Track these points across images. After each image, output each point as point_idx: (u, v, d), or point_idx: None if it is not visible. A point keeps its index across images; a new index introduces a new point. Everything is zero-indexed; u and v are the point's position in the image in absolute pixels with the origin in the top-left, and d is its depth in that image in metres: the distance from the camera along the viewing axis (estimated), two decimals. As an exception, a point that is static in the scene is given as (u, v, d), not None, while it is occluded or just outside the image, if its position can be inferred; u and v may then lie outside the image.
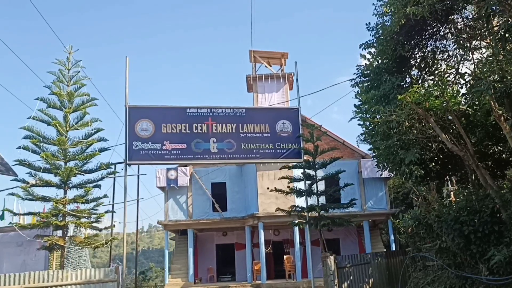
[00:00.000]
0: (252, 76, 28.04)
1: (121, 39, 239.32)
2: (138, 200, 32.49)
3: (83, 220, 17.66)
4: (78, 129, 18.02)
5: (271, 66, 28.59)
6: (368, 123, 14.99)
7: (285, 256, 26.80)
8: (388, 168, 15.75)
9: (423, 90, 12.70)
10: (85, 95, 18.43)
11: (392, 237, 27.96)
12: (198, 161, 19.66)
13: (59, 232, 17.62)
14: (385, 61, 14.48)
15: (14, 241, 19.59)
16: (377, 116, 13.83)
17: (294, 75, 28.24)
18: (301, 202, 20.80)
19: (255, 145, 19.36)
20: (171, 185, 27.07)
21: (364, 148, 32.56)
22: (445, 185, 19.27)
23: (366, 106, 14.66)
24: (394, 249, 27.56)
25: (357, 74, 15.24)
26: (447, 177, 17.17)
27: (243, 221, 26.92)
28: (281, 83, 27.70)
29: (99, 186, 18.31)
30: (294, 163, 19.53)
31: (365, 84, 14.80)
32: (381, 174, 28.21)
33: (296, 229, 24.80)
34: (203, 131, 19.05)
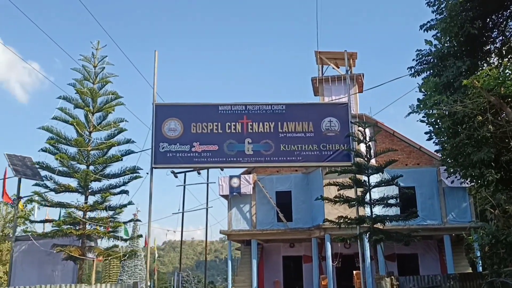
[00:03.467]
0: (318, 79, 25.57)
1: (155, 33, 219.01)
2: (207, 209, 31.33)
3: (102, 228, 16.13)
4: (101, 130, 16.66)
5: (339, 67, 25.99)
6: (432, 119, 12.14)
7: (354, 272, 23.94)
8: (458, 173, 12.70)
9: (497, 73, 9.74)
10: (111, 94, 17.04)
11: (478, 254, 24.03)
12: (230, 164, 17.33)
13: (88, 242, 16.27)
14: (449, 42, 11.60)
15: (43, 250, 18.43)
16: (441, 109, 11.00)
17: (363, 76, 25.61)
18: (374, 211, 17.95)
19: (297, 146, 16.74)
20: (234, 193, 25.27)
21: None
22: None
23: (427, 98, 11.78)
24: (481, 269, 23.66)
25: (417, 60, 12.45)
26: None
27: (309, 232, 24.43)
28: (350, 85, 24.99)
29: (126, 192, 16.76)
30: (343, 167, 16.69)
31: (427, 73, 12.02)
32: (461, 183, 24.69)
33: (366, 242, 21.98)
34: (237, 131, 16.80)
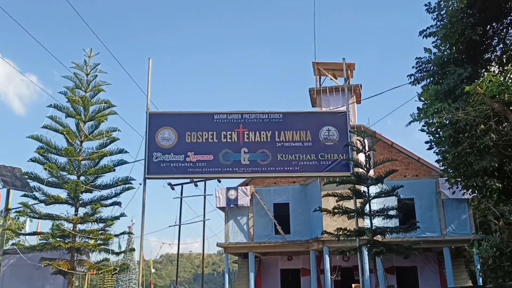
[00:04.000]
0: (315, 89, 25.25)
1: (147, 37, 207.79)
2: (204, 222, 30.77)
3: (92, 241, 15.47)
4: (93, 139, 16.18)
5: (336, 78, 25.70)
6: (432, 128, 11.77)
7: (353, 285, 23.41)
8: (459, 183, 12.29)
9: (501, 79, 9.39)
10: (104, 103, 16.54)
11: (478, 267, 23.53)
12: (226, 174, 16.68)
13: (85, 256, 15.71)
14: (450, 50, 11.27)
15: (32, 264, 17.66)
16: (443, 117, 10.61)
17: (361, 87, 25.31)
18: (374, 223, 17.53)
19: (294, 156, 16.18)
20: (231, 205, 24.82)
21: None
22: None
23: (427, 107, 11.43)
24: (481, 282, 23.15)
25: (416, 67, 12.12)
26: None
27: (308, 245, 23.93)
28: (348, 95, 24.66)
29: (118, 204, 16.20)
30: (341, 177, 16.15)
31: (427, 80, 11.68)
32: (463, 194, 24.29)
33: (365, 255, 21.48)
34: (233, 140, 16.25)
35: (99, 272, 15.72)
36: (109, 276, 17.28)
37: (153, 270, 43.04)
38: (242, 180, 23.73)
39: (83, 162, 16.10)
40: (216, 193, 25.23)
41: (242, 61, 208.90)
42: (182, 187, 30.88)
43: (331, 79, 25.51)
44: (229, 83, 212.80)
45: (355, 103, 25.06)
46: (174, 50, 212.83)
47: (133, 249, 17.24)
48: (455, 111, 9.67)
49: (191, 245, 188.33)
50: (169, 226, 32.67)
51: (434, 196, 23.89)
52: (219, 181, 29.21)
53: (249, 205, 24.92)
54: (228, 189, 25.05)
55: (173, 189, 30.75)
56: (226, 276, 25.71)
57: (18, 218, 19.11)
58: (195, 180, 16.24)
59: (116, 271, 15.91)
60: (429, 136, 12.58)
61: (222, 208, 25.44)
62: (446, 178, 13.01)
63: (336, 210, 15.37)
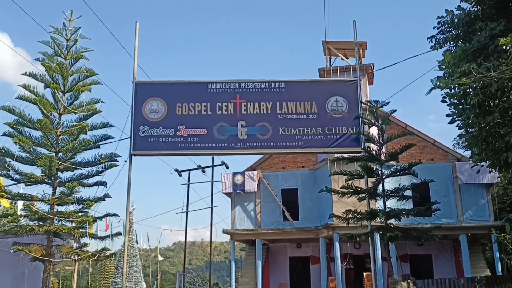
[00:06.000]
0: (325, 69, 23.59)
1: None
2: (212, 208, 29.38)
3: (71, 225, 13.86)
4: (74, 112, 14.37)
5: (347, 58, 24.07)
6: (455, 98, 10.14)
7: (364, 274, 21.95)
8: (486, 160, 10.66)
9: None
10: (86, 71, 14.74)
11: (498, 255, 21.92)
12: (221, 150, 14.60)
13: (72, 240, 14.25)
14: (478, 4, 9.64)
15: (8, 251, 14.93)
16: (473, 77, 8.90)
17: (373, 66, 23.65)
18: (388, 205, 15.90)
19: (298, 130, 14.15)
20: (238, 191, 23.42)
21: (461, 150, 26.68)
22: None
23: (452, 71, 9.76)
24: (499, 270, 21.54)
25: (438, 28, 10.47)
26: None
27: (317, 232, 22.46)
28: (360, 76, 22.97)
29: (103, 184, 14.68)
30: (352, 153, 14.34)
31: (450, 44, 10.07)
32: (490, 171, 22.56)
33: (378, 241, 19.98)
34: (229, 112, 14.31)
35: (77, 259, 14.06)
36: (110, 264, 15.90)
37: (160, 258, 41.85)
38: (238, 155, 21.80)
39: (62, 138, 14.46)
40: (222, 178, 23.86)
41: (242, 27, 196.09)
42: (189, 173, 29.56)
43: (342, 59, 23.89)
44: (228, 52, 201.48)
45: (367, 84, 23.43)
46: (167, 14, 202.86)
47: (119, 234, 15.38)
48: (485, 72, 8.09)
49: (203, 233, 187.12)
50: (176, 213, 31.30)
51: (451, 181, 22.30)
52: (227, 167, 27.86)
53: (256, 190, 23.49)
54: (234, 174, 23.66)
55: (180, 175, 29.48)
56: (233, 263, 24.39)
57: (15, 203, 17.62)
58: (186, 154, 13.96)
59: (95, 258, 14.28)
60: (450, 109, 11.01)
61: (228, 194, 24.05)
62: (469, 156, 11.35)
63: (345, 190, 13.60)
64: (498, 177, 21.49)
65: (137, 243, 31.45)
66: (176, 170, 29.20)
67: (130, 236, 28.67)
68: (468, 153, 14.38)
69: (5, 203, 15.65)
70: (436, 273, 23.26)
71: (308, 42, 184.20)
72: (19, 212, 14.75)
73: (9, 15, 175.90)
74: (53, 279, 24.60)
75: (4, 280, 15.87)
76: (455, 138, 11.00)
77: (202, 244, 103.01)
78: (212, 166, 28.28)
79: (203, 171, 29.10)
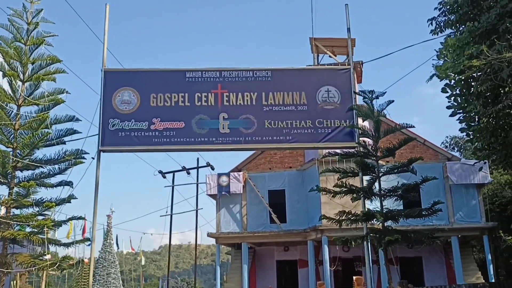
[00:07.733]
0: (313, 67, 22.82)
1: None
2: (197, 211, 28.18)
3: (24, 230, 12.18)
4: (36, 103, 12.70)
5: (336, 55, 23.18)
6: (457, 87, 9.18)
7: (354, 277, 21.02)
8: (490, 156, 9.70)
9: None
10: (48, 59, 13.16)
11: (489, 257, 21.12)
12: (200, 146, 12.97)
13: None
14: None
15: None
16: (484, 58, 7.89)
17: (362, 64, 22.75)
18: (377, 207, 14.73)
19: (286, 123, 12.76)
20: (223, 193, 22.33)
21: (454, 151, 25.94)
22: None
23: (455, 54, 8.73)
24: (491, 273, 20.73)
25: (440, 8, 9.48)
26: None
27: (305, 235, 21.43)
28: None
29: (68, 184, 13.05)
30: (344, 149, 12.99)
31: (453, 28, 9.11)
32: (473, 179, 21.75)
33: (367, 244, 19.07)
34: (209, 104, 12.83)
35: (34, 268, 12.55)
36: (86, 271, 14.46)
37: (143, 262, 40.49)
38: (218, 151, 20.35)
39: (20, 132, 12.86)
40: (207, 180, 22.78)
41: (227, 14, 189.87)
42: (173, 175, 28.42)
43: (330, 56, 22.95)
44: (209, 39, 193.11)
45: (356, 82, 22.52)
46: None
47: (88, 239, 13.88)
48: (496, 55, 7.15)
49: (189, 236, 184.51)
50: (160, 216, 30.03)
51: (441, 181, 21.42)
52: (213, 168, 26.72)
53: (242, 192, 22.42)
54: (219, 175, 22.56)
55: (164, 177, 28.29)
56: (218, 268, 23.19)
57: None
58: (161, 150, 12.26)
59: (55, 267, 12.78)
60: (449, 102, 10.08)
61: (213, 196, 22.94)
62: (473, 149, 10.31)
63: (338, 189, 12.45)
64: (490, 178, 20.79)
65: (118, 248, 30.17)
66: (160, 172, 28.05)
67: (108, 240, 27.40)
68: (458, 154, 13.48)
69: None
70: (426, 276, 22.42)
71: (295, 39, 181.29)
72: None
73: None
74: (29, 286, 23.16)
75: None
76: (446, 137, 10.15)
77: (189, 247, 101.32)
78: (197, 168, 27.19)
79: (188, 173, 27.99)
